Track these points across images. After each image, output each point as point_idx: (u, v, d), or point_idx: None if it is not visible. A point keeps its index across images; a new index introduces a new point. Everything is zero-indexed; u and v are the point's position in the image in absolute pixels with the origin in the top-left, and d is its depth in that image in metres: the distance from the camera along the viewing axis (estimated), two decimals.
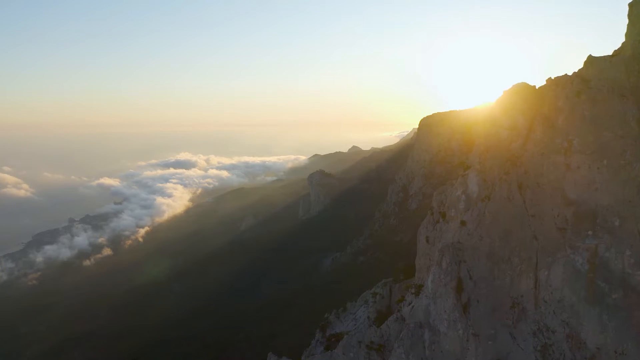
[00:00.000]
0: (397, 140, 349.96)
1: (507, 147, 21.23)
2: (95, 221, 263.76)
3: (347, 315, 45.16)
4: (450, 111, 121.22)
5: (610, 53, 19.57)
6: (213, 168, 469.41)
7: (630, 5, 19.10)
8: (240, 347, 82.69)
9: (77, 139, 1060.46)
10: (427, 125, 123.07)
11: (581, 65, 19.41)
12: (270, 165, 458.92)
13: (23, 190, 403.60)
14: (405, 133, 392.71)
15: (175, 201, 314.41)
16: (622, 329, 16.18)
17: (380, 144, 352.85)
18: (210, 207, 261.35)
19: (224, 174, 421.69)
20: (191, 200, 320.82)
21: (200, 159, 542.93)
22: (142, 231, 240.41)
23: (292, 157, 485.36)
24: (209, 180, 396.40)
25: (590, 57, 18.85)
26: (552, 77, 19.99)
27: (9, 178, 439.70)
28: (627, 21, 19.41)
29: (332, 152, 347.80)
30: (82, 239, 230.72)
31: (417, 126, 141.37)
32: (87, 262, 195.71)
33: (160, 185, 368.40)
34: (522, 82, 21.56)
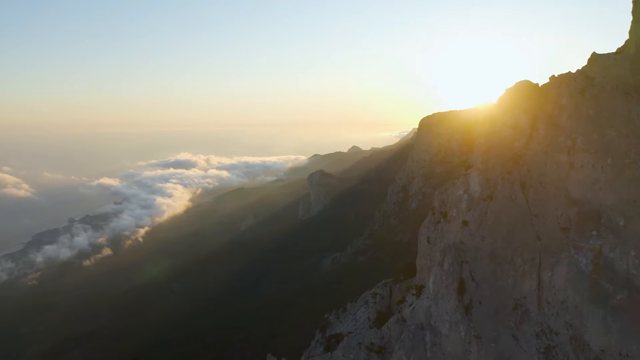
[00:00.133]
0: (397, 140, 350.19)
1: (510, 146, 20.90)
2: (95, 221, 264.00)
3: (347, 315, 44.97)
4: (450, 111, 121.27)
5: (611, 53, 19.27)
6: (213, 168, 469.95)
7: (634, 1, 18.78)
8: (240, 347, 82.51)
9: (77, 139, 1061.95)
10: (427, 125, 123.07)
11: (581, 66, 19.11)
12: (270, 165, 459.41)
13: (23, 190, 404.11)
14: (405, 133, 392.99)
15: (175, 201, 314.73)
16: (626, 330, 15.88)
17: (380, 144, 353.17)
18: (210, 207, 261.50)
19: (224, 174, 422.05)
20: (191, 200, 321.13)
21: (200, 159, 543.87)
22: (142, 231, 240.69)
23: (292, 157, 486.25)
24: (209, 180, 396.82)
25: (594, 55, 18.53)
26: (556, 75, 19.69)
27: (9, 178, 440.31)
28: (628, 21, 19.11)
29: (332, 152, 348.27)
30: (82, 239, 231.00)
31: (417, 126, 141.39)
32: (87, 262, 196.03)
33: (160, 185, 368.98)
34: (525, 80, 21.15)
